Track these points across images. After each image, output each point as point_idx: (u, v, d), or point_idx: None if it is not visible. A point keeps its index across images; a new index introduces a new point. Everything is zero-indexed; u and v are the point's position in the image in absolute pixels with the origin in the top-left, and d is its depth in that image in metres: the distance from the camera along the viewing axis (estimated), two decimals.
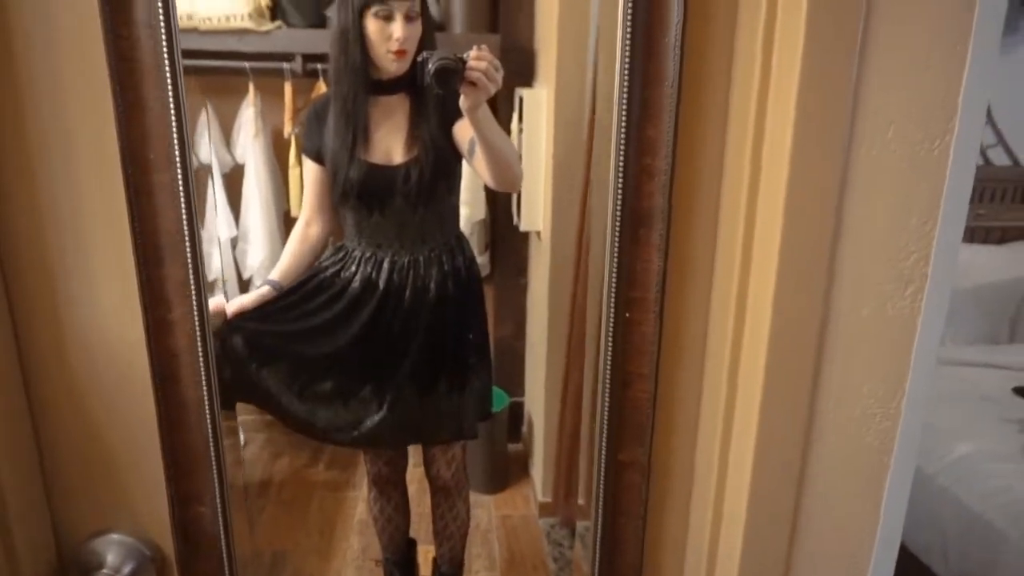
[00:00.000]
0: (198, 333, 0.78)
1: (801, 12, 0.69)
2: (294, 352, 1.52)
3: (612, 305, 0.83)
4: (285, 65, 1.80)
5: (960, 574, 1.95)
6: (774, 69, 0.73)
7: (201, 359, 0.78)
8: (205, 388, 0.79)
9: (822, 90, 0.71)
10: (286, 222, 1.84)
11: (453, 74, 1.21)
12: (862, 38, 0.70)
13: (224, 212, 1.78)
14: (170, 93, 0.71)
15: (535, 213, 2.03)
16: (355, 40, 1.37)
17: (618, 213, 0.80)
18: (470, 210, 1.99)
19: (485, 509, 2.23)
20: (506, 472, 2.36)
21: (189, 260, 0.75)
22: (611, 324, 0.84)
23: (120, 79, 0.70)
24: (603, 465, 0.89)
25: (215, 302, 1.50)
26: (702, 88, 0.78)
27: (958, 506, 1.97)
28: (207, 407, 0.80)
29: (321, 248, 1.61)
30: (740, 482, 0.84)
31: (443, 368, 1.57)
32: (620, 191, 0.79)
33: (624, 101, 0.77)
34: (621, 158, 0.78)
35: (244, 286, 1.87)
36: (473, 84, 1.23)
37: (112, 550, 0.82)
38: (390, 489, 1.81)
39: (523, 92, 1.96)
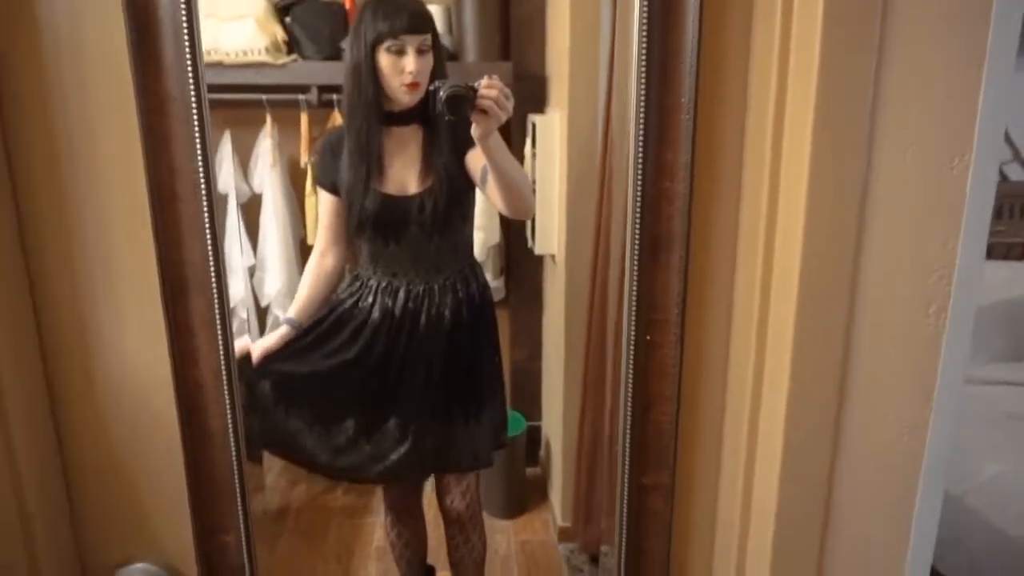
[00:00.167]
0: (223, 363, 0.78)
1: (815, 36, 0.70)
2: (321, 391, 1.52)
3: (633, 327, 0.83)
4: (301, 96, 1.83)
5: None
6: (789, 93, 0.74)
7: (226, 389, 0.79)
8: (230, 418, 0.80)
9: (838, 113, 0.71)
10: (302, 250, 1.86)
11: (464, 101, 1.23)
12: (878, 60, 0.70)
13: (242, 241, 1.80)
14: (195, 127, 0.72)
15: (550, 236, 2.04)
16: (368, 74, 1.39)
17: (637, 236, 0.81)
18: (485, 234, 2.00)
19: (504, 534, 2.21)
20: (524, 497, 2.33)
21: (215, 290, 0.76)
22: (632, 346, 0.84)
23: (148, 117, 0.72)
24: (626, 488, 0.88)
25: (240, 344, 1.49)
26: (718, 112, 0.79)
27: (988, 528, 1.93)
28: (232, 437, 0.81)
29: (337, 279, 1.62)
30: (766, 504, 0.83)
31: (459, 396, 1.57)
32: (639, 214, 0.80)
33: (641, 126, 0.77)
34: (639, 182, 0.79)
35: (262, 314, 1.88)
36: (484, 112, 1.25)
37: None
38: (407, 515, 1.80)
39: (535, 118, 1.97)
